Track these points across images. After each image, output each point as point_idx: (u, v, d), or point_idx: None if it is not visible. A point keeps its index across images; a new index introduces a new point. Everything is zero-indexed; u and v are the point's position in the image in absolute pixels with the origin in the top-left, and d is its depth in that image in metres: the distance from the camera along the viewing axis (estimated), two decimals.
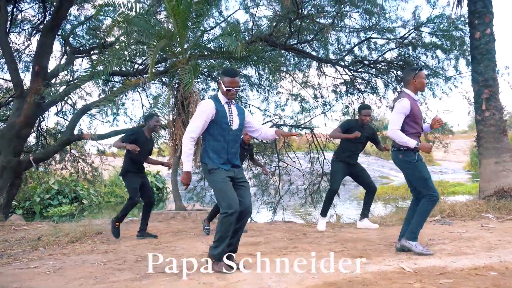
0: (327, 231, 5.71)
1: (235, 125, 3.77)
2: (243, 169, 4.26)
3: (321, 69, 10.41)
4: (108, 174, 18.19)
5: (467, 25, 8.78)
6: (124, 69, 10.01)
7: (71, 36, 10.59)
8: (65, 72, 9.33)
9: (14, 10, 10.91)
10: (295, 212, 12.18)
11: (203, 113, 3.68)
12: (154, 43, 6.83)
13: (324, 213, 6.00)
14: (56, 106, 11.08)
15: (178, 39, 7.27)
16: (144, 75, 7.97)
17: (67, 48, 10.43)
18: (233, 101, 3.87)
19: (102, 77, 7.31)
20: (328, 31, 7.92)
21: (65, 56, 10.31)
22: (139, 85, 7.32)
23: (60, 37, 10.77)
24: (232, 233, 3.77)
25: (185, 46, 7.54)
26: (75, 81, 8.25)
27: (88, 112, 8.31)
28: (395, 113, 4.07)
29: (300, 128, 10.92)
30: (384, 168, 24.32)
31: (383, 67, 9.99)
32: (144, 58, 8.43)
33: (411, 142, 3.97)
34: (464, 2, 6.91)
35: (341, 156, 5.91)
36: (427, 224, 5.47)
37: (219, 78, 3.90)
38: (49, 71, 9.29)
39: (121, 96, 7.52)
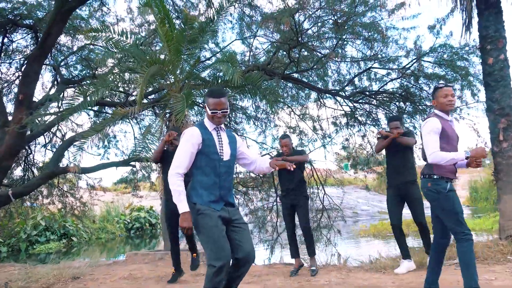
0: (334, 277, 4.97)
1: (226, 155, 3.19)
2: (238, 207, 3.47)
3: (321, 100, 9.88)
4: (100, 209, 17.37)
5: (473, 54, 8.43)
6: (116, 99, 9.51)
7: (63, 66, 10.09)
8: (53, 103, 8.72)
9: (5, 40, 10.46)
10: None
11: (187, 143, 3.12)
12: (145, 70, 6.27)
13: (405, 255, 5.20)
14: (44, 137, 10.46)
15: (171, 67, 6.73)
16: (135, 105, 7.38)
17: (58, 78, 9.91)
18: (223, 127, 3.30)
19: (89, 108, 6.75)
20: (331, 57, 7.41)
21: (55, 86, 9.77)
22: (129, 115, 6.71)
23: (51, 67, 10.29)
24: (227, 282, 3.07)
25: (178, 74, 7.00)
26: (59, 112, 7.63)
27: (73, 143, 7.67)
28: (425, 135, 3.48)
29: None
30: (383, 203, 23.53)
31: (385, 98, 9.48)
32: (135, 86, 7.87)
33: (460, 154, 3.38)
34: (473, 27, 6.44)
35: (389, 180, 5.28)
36: (446, 269, 4.76)
37: (204, 101, 3.34)
38: (37, 100, 8.75)
39: (109, 127, 6.89)
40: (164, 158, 5.29)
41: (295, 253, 5.56)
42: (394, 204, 5.20)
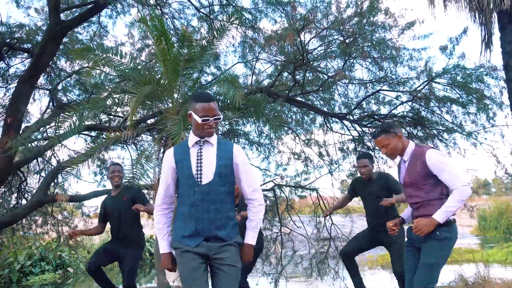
0: None
1: (206, 176, 2.53)
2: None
3: (327, 125, 9.28)
4: (99, 238, 16.58)
5: (488, 76, 7.86)
6: (114, 123, 8.95)
7: (60, 90, 9.59)
8: (42, 127, 8.16)
9: (3, 65, 10.02)
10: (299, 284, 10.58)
11: (163, 169, 2.66)
12: (139, 90, 5.71)
13: None
14: (38, 163, 9.87)
15: (168, 88, 6.18)
16: (130, 129, 6.79)
17: (53, 102, 9.39)
18: (211, 140, 2.62)
19: (82, 132, 6.19)
20: (339, 76, 6.84)
21: (49, 110, 9.24)
22: (123, 139, 6.11)
23: (48, 91, 9.80)
24: None
25: (176, 97, 6.44)
26: (48, 138, 7.05)
27: (63, 170, 7.06)
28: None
29: (304, 190, 9.61)
30: None
31: (396, 123, 8.85)
32: (127, 107, 7.31)
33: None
34: (493, 44, 5.89)
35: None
36: None
37: (189, 108, 2.63)
38: (28, 124, 8.21)
39: (100, 152, 6.29)
40: None
41: None
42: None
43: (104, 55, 6.22)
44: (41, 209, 9.99)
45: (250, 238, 2.68)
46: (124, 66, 6.32)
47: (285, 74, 9.01)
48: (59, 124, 6.03)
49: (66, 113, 6.28)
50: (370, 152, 8.93)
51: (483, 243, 20.70)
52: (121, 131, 6.17)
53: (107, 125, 7.89)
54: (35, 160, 9.43)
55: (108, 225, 4.94)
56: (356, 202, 11.10)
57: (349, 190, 5.14)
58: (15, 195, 10.23)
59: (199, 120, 2.51)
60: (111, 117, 8.96)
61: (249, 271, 5.01)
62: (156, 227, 2.59)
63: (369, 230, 4.79)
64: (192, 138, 2.61)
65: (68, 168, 6.30)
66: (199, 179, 2.52)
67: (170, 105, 6.33)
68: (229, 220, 2.60)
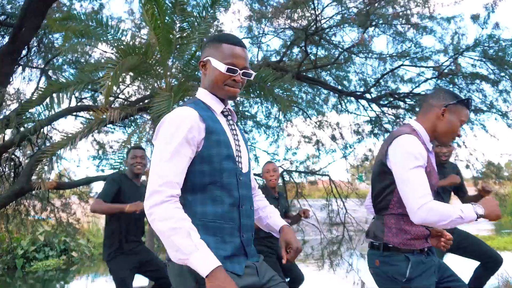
0: None
1: (245, 163, 1.65)
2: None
3: (341, 104, 8.20)
4: (102, 225, 15.85)
5: None
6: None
7: (51, 68, 8.62)
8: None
9: None
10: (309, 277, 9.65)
11: (177, 138, 1.49)
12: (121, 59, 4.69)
13: None
14: (32, 147, 8.99)
15: (158, 60, 5.16)
16: (120, 107, 5.84)
17: (45, 80, 8.44)
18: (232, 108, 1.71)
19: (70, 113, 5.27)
20: (361, 41, 5.74)
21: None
22: (108, 120, 5.15)
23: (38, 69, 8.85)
24: None
25: (169, 72, 5.42)
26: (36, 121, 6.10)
27: (45, 156, 6.14)
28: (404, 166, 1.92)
29: (315, 175, 8.61)
30: None
31: (417, 102, 7.75)
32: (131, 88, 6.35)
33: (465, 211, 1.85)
34: None
35: None
36: None
37: (205, 53, 1.66)
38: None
39: (84, 135, 5.32)
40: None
41: None
42: None
43: (85, 24, 5.24)
44: (38, 194, 9.22)
45: (283, 221, 1.81)
46: (110, 36, 5.33)
47: (295, 50, 7.94)
48: (40, 96, 5.09)
49: (49, 87, 5.37)
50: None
51: (497, 229, 19.55)
52: (106, 111, 5.20)
53: (97, 105, 6.93)
54: (31, 145, 8.59)
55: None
56: (366, 185, 10.11)
57: None
58: (12, 180, 9.43)
59: (222, 68, 1.57)
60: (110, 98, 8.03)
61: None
62: (179, 228, 1.38)
63: None
64: (214, 102, 1.63)
65: (48, 153, 5.39)
66: (240, 165, 1.60)
67: (164, 82, 5.33)
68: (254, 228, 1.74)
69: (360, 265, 8.33)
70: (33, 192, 8.95)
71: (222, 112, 1.65)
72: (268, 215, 1.82)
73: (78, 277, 11.77)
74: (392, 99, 7.65)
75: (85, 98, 8.91)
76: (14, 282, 10.94)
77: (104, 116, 5.22)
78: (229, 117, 1.67)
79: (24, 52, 8.29)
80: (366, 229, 2.13)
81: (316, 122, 8.49)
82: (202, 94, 1.65)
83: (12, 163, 9.06)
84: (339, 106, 8.20)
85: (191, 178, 1.52)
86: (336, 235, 8.39)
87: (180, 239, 1.36)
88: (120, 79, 6.45)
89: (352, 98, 8.01)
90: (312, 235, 10.67)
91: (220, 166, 1.53)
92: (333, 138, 8.54)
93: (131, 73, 5.50)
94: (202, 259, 1.35)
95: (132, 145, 5.01)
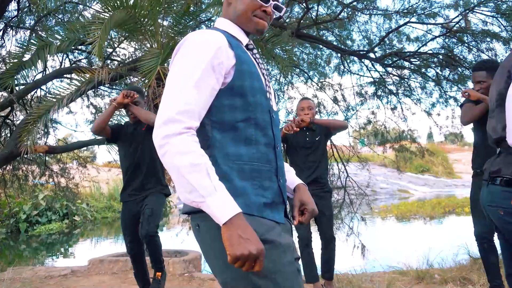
0: None
1: (274, 100, 1.45)
2: None
3: (344, 65, 7.80)
4: (107, 187, 15.80)
5: None
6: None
7: (41, 29, 8.19)
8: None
9: None
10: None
11: (203, 59, 1.21)
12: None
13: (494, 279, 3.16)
14: (26, 111, 8.71)
15: (147, 14, 4.77)
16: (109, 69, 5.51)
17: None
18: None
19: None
20: None
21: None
22: (96, 80, 4.82)
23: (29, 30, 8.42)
24: None
25: (161, 28, 5.04)
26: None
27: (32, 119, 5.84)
28: None
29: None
30: (402, 181, 21.47)
31: (423, 62, 7.34)
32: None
33: None
34: None
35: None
36: None
37: None
38: None
39: (73, 95, 5.00)
40: (120, 136, 3.41)
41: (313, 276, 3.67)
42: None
43: None
44: (36, 158, 9.02)
45: (298, 179, 1.56)
46: None
47: (296, 10, 7.47)
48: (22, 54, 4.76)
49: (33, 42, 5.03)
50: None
51: None
52: (94, 71, 4.87)
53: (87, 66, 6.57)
54: (25, 109, 8.29)
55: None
56: (371, 150, 9.86)
57: None
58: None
59: None
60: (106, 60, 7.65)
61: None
62: (196, 165, 1.12)
63: None
64: (237, 32, 1.37)
65: (35, 115, 5.11)
66: (271, 101, 1.39)
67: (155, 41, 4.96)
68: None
69: (361, 229, 8.19)
70: (31, 156, 8.78)
71: (247, 46, 1.38)
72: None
73: (82, 240, 11.82)
74: (397, 58, 7.24)
75: (79, 60, 8.56)
76: (18, 245, 10.97)
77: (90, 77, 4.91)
78: (255, 51, 1.42)
79: (15, 12, 7.89)
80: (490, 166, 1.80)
81: (317, 84, 8.11)
82: (225, 24, 1.39)
83: (8, 128, 8.82)
84: (342, 66, 7.80)
85: (219, 114, 1.26)
86: (336, 198, 8.19)
87: (199, 178, 1.11)
88: (110, 38, 6.09)
89: (355, 58, 7.60)
90: None
91: (254, 100, 1.28)
92: (335, 100, 8.19)
93: (120, 30, 5.12)
94: (221, 203, 1.10)
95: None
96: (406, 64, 7.44)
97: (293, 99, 8.93)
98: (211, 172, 1.13)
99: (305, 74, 8.14)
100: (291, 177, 1.51)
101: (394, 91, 7.82)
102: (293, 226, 1.52)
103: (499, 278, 3.11)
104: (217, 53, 1.23)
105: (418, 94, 7.85)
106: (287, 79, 8.39)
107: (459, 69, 7.23)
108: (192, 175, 1.11)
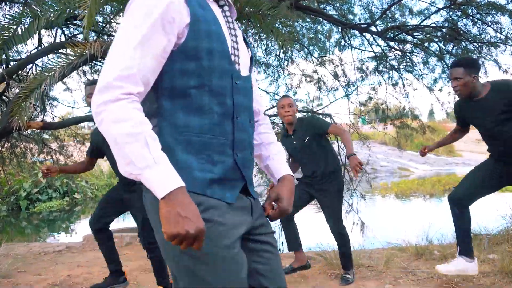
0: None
1: (244, 64, 1.26)
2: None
3: (345, 39, 7.58)
4: (107, 165, 15.74)
5: None
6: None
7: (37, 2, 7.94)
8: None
9: None
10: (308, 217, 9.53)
11: (151, 15, 1.06)
12: None
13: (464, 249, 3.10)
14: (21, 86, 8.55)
15: None
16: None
17: None
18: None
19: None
20: None
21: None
22: (89, 53, 4.63)
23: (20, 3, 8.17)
24: None
25: None
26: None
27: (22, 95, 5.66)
28: None
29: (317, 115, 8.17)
30: (403, 159, 21.38)
31: (426, 36, 7.11)
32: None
33: None
34: None
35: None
36: None
37: None
38: None
39: (65, 69, 4.82)
40: (103, 150, 3.29)
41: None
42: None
43: None
44: (33, 135, 8.91)
45: (287, 166, 1.43)
46: None
47: None
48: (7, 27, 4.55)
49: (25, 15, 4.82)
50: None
51: None
52: (86, 45, 4.68)
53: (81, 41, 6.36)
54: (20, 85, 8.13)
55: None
56: (374, 128, 9.71)
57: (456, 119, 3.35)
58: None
59: None
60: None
61: (341, 216, 3.57)
62: (132, 130, 1.00)
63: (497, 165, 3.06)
64: None
65: (27, 89, 4.95)
66: (237, 66, 1.22)
67: None
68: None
69: (360, 206, 8.13)
70: (28, 133, 8.67)
71: (218, 2, 1.23)
72: (271, 155, 1.41)
73: (83, 217, 11.83)
74: (399, 32, 7.02)
75: (75, 35, 8.34)
76: (19, 223, 10.98)
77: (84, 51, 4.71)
78: (226, 8, 1.26)
79: None
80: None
81: (317, 59, 7.91)
82: None
83: (4, 105, 8.69)
84: (342, 41, 7.59)
85: (170, 79, 1.13)
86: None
87: (136, 148, 0.98)
88: (106, 13, 5.88)
89: (356, 32, 7.38)
90: None
91: (210, 64, 1.14)
92: (336, 76, 8.00)
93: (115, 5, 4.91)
94: (160, 176, 0.98)
95: None
96: (409, 38, 7.22)
97: (293, 75, 8.77)
98: (151, 142, 1.00)
99: (305, 49, 7.93)
100: (276, 166, 1.39)
101: (396, 67, 7.62)
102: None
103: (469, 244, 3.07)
104: (169, 9, 1.08)
105: (420, 69, 7.67)
106: (287, 54, 8.19)
107: (463, 43, 7.02)
108: (129, 145, 0.98)
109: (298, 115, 3.82)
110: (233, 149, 1.18)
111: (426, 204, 10.93)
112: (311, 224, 9.27)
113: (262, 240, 1.25)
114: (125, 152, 0.99)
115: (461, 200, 3.01)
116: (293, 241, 3.53)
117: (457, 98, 3.20)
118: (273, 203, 1.33)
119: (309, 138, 3.44)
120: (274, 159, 1.40)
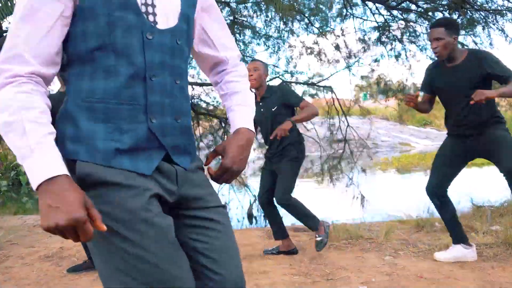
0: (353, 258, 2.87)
1: (164, 15, 1.04)
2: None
3: (347, 9, 7.31)
4: None
5: None
6: None
7: None
8: None
9: None
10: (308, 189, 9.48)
11: None
12: None
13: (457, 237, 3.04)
14: None
15: None
16: None
17: None
18: None
19: None
20: None
21: None
22: None
23: None
24: None
25: None
26: None
27: None
28: None
29: (317, 88, 7.98)
30: (404, 134, 21.21)
31: (430, 5, 6.84)
32: None
33: None
34: None
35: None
36: None
37: None
38: None
39: None
40: None
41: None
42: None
43: None
44: None
45: (247, 118, 1.22)
46: None
47: None
48: None
49: None
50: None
51: None
52: None
53: None
54: None
55: None
56: (377, 101, 9.54)
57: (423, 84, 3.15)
58: None
59: None
60: None
61: (292, 188, 3.30)
62: (9, 118, 0.88)
63: (453, 140, 3.02)
64: None
65: None
66: (150, 17, 1.03)
67: None
68: (190, 117, 1.16)
69: (361, 179, 8.04)
70: None
71: None
72: (232, 106, 1.23)
73: None
74: (402, 0, 6.75)
75: None
76: (21, 198, 10.96)
77: None
78: None
79: None
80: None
81: (318, 29, 7.65)
82: None
83: None
84: (344, 10, 7.32)
85: (74, 44, 1.00)
86: (336, 149, 7.99)
87: (14, 139, 0.88)
88: None
89: (359, 1, 7.11)
90: (314, 151, 10.33)
91: (111, 20, 0.97)
92: (337, 47, 7.76)
93: None
94: (33, 166, 0.86)
95: None
96: (413, 7, 6.95)
97: (293, 47, 8.53)
98: (31, 128, 0.87)
99: (306, 20, 7.66)
100: (233, 117, 1.21)
101: (399, 37, 7.37)
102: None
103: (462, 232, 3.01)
104: None
105: (424, 40, 7.42)
106: (287, 26, 7.96)
107: (469, 12, 6.76)
108: (8, 136, 0.88)
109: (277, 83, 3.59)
110: (146, 114, 1.02)
111: (427, 179, 10.80)
112: (311, 197, 9.22)
113: (201, 216, 1.10)
114: (8, 143, 0.89)
115: (436, 190, 3.01)
116: (277, 229, 3.37)
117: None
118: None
119: (277, 107, 3.23)
120: (234, 110, 1.22)
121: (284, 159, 3.24)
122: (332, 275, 2.82)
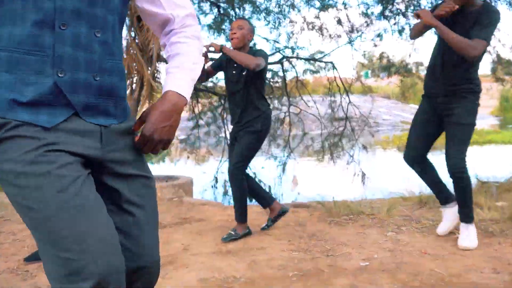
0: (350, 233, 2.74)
1: None
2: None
3: None
4: None
5: None
6: None
7: None
8: None
9: None
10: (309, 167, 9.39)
11: None
12: None
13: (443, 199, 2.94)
14: None
15: None
16: None
17: None
18: None
19: None
20: None
21: None
22: None
23: None
24: None
25: None
26: None
27: None
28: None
29: (318, 64, 7.77)
30: (405, 112, 20.99)
31: None
32: None
33: None
34: None
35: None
36: None
37: None
38: None
39: None
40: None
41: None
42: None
43: None
44: None
45: (181, 82, 1.08)
46: None
47: None
48: None
49: None
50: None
51: (502, 124, 18.97)
52: None
53: None
54: None
55: None
56: (381, 80, 9.30)
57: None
58: None
59: None
60: None
61: (247, 159, 3.09)
62: None
63: (425, 104, 2.91)
64: None
65: None
66: None
67: None
68: (122, 73, 1.04)
69: (362, 157, 7.90)
70: None
71: None
72: (169, 69, 1.09)
73: None
74: None
75: None
76: None
77: None
78: None
79: None
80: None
81: (320, 2, 7.39)
82: None
83: None
84: None
85: None
86: (337, 126, 7.84)
87: None
88: None
89: None
90: (315, 128, 10.16)
91: None
92: (339, 21, 7.52)
93: None
94: None
95: None
96: None
97: (294, 23, 8.28)
98: None
99: None
100: (165, 81, 1.08)
101: (403, 11, 7.11)
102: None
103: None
104: None
105: None
106: (288, 0, 7.70)
107: None
108: None
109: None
110: (53, 67, 0.91)
111: (429, 156, 10.68)
112: (312, 175, 9.12)
113: (121, 186, 1.02)
114: None
115: (414, 157, 2.92)
116: (261, 197, 3.18)
117: None
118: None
119: (248, 71, 2.95)
120: (169, 72, 1.09)
121: (246, 133, 3.03)
122: (333, 251, 2.71)
